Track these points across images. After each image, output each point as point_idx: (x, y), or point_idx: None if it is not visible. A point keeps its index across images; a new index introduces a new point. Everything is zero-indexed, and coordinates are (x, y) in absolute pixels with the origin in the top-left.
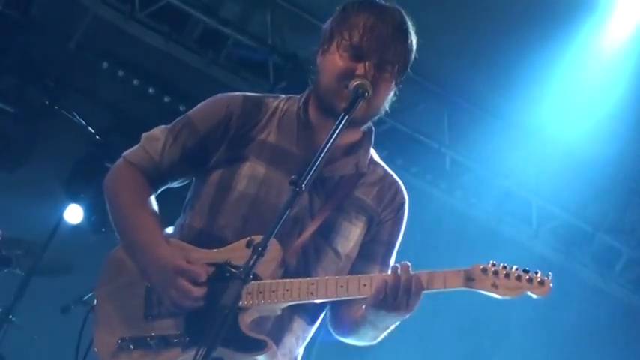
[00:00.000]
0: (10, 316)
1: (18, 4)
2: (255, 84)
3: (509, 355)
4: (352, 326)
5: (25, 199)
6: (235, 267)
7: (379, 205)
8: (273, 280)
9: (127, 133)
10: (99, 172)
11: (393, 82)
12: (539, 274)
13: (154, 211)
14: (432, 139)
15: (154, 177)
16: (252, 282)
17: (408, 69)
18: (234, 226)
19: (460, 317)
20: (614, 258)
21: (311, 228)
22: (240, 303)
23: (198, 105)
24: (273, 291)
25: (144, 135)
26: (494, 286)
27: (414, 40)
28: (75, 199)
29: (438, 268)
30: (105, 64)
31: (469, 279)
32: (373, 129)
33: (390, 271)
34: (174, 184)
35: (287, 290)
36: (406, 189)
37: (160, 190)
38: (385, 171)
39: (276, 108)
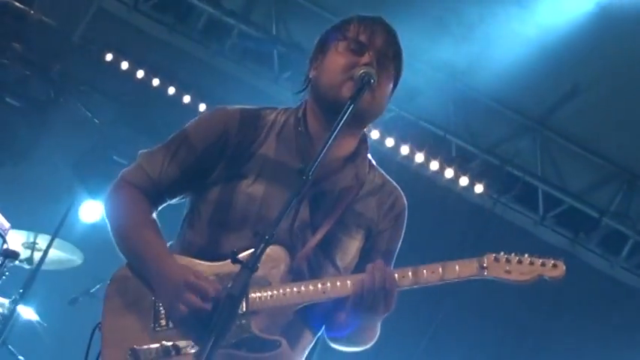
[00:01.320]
0: (19, 308)
1: None
2: (260, 74)
3: (521, 345)
4: (339, 329)
5: (32, 191)
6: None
7: (378, 216)
8: (285, 284)
9: (132, 125)
10: (106, 165)
11: (392, 84)
12: (552, 258)
13: (156, 228)
14: (437, 126)
15: (153, 195)
16: (262, 287)
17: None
18: (239, 245)
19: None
20: (620, 243)
21: (313, 241)
22: (251, 307)
23: (195, 120)
24: (284, 294)
25: (141, 152)
26: (508, 272)
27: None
28: (91, 194)
29: (446, 255)
30: (109, 56)
31: (482, 267)
32: (367, 136)
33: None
34: (175, 201)
35: (299, 292)
36: (410, 176)
37: (160, 208)
38: (384, 178)
39: (274, 121)
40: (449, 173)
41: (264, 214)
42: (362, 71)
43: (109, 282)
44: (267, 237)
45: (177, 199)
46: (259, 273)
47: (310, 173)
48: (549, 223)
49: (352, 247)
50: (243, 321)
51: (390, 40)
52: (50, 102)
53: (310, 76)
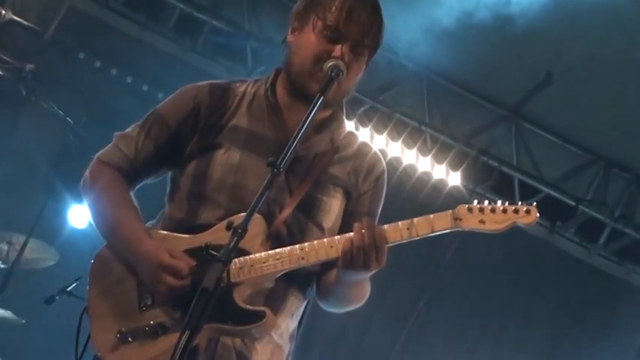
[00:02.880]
0: None
1: None
2: (233, 69)
3: (501, 335)
4: (330, 288)
5: (6, 191)
6: (216, 248)
7: (356, 180)
8: (264, 253)
9: (107, 123)
10: (86, 165)
11: (363, 68)
12: (524, 205)
13: (134, 208)
14: (411, 118)
15: (130, 174)
16: (242, 257)
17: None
18: (216, 215)
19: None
20: (598, 230)
21: (291, 204)
22: (233, 279)
23: (167, 99)
24: (264, 262)
25: (116, 134)
26: (482, 222)
27: (384, 25)
28: (75, 199)
29: (422, 246)
30: (82, 55)
31: (456, 219)
32: (343, 101)
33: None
34: (150, 179)
35: (278, 259)
36: (388, 167)
37: (137, 186)
38: (360, 142)
39: (244, 92)
40: (424, 164)
41: (240, 182)
42: (331, 64)
43: (92, 263)
44: (240, 231)
45: (152, 177)
46: (243, 245)
47: (281, 166)
48: None
49: (334, 206)
50: (226, 293)
51: (369, 27)
52: (22, 101)
53: (288, 40)
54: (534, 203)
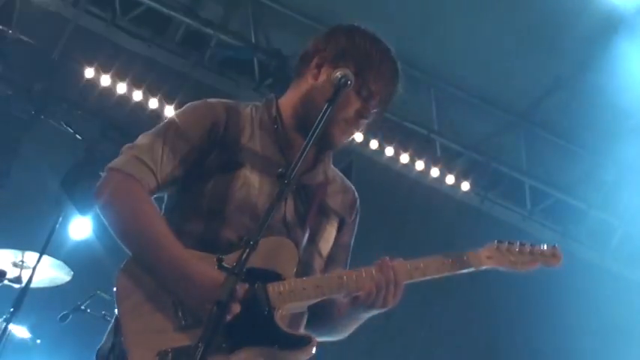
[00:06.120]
0: (10, 326)
1: None
2: (241, 83)
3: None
4: (330, 319)
5: (17, 210)
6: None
7: (344, 211)
8: (301, 279)
9: (115, 140)
10: (94, 181)
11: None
12: (547, 247)
13: (165, 223)
14: (420, 126)
15: (152, 188)
16: (280, 283)
17: None
18: (239, 234)
19: None
20: (609, 233)
21: (306, 233)
22: (274, 304)
23: (184, 113)
24: (304, 289)
25: (130, 145)
26: (513, 263)
27: None
28: (80, 212)
29: (431, 253)
30: (89, 72)
31: (488, 258)
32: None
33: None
34: (165, 193)
35: (318, 287)
36: (398, 178)
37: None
38: (341, 178)
39: (252, 116)
40: (434, 172)
41: (262, 205)
42: (340, 73)
43: (117, 280)
44: (251, 242)
45: (169, 192)
46: (276, 269)
47: (292, 177)
48: (537, 217)
49: (332, 234)
50: (269, 319)
51: (393, 95)
52: (31, 119)
53: (317, 78)
54: (557, 245)
